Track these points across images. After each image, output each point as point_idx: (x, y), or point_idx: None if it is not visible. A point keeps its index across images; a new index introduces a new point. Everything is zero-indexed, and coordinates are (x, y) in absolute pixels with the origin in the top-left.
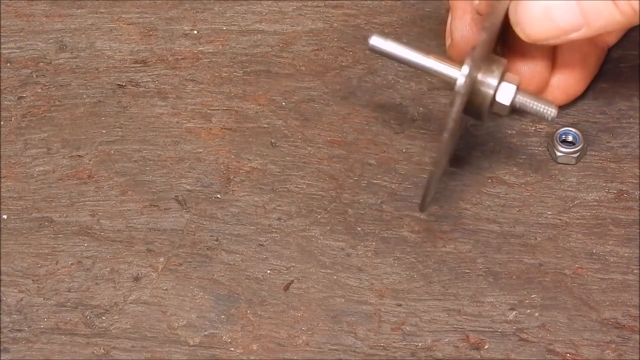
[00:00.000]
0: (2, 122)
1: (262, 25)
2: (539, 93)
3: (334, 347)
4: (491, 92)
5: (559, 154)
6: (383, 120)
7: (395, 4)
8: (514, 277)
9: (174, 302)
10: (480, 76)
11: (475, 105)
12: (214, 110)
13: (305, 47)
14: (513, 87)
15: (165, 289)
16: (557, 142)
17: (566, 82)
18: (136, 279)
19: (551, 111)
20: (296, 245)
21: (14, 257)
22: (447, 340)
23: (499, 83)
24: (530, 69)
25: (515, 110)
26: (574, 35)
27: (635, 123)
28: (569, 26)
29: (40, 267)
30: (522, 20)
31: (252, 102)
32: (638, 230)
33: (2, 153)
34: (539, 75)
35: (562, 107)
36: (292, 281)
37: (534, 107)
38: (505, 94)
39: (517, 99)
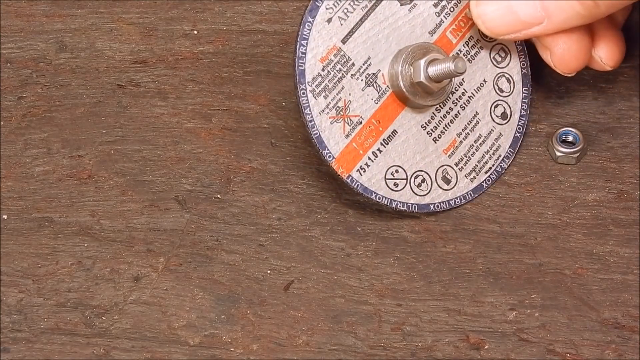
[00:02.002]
0: (2, 122)
1: (262, 25)
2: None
3: (334, 347)
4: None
5: (559, 154)
6: None
7: None
8: (514, 277)
9: (174, 302)
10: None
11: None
12: (214, 110)
13: None
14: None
15: (165, 289)
16: (557, 142)
17: (610, 52)
18: (136, 279)
19: (452, 64)
20: (296, 246)
21: (14, 257)
22: (447, 340)
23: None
24: (569, 45)
25: (436, 81)
26: (535, 30)
27: (635, 123)
28: (530, 19)
29: (40, 267)
30: (483, 12)
31: (252, 102)
32: (638, 230)
33: (2, 153)
34: (580, 50)
35: (562, 107)
36: (292, 281)
37: (441, 70)
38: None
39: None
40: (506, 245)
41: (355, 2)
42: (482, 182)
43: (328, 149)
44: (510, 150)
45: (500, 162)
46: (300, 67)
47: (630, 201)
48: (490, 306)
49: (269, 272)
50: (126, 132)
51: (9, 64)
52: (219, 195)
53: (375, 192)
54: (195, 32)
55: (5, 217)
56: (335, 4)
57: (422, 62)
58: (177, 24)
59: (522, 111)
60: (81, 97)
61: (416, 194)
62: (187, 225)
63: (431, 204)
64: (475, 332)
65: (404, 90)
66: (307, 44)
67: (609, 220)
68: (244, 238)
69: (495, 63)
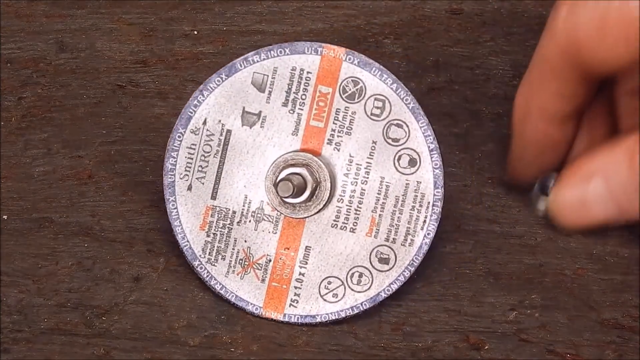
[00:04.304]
0: (2, 123)
1: (262, 26)
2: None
3: (334, 347)
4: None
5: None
6: None
7: (395, 4)
8: (514, 277)
9: (174, 303)
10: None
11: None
12: None
13: None
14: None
15: (166, 290)
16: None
17: None
18: (136, 279)
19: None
20: None
21: (14, 258)
22: (447, 340)
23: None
24: None
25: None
26: (612, 220)
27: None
28: (605, 217)
29: (40, 267)
30: (560, 209)
31: None
32: (638, 230)
33: (2, 153)
34: None
35: None
36: None
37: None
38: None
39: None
40: (506, 246)
41: (205, 156)
42: (422, 241)
43: (252, 303)
44: (437, 191)
45: (432, 210)
46: (185, 246)
47: None
48: (490, 306)
49: None
50: (126, 132)
51: (9, 64)
52: None
53: (317, 315)
54: (195, 32)
55: (5, 217)
56: (187, 168)
57: (275, 185)
58: (177, 24)
59: (431, 145)
60: (81, 97)
61: (360, 291)
62: None
63: (380, 291)
64: (475, 332)
65: (285, 213)
66: (180, 222)
67: None
68: None
69: (374, 118)
